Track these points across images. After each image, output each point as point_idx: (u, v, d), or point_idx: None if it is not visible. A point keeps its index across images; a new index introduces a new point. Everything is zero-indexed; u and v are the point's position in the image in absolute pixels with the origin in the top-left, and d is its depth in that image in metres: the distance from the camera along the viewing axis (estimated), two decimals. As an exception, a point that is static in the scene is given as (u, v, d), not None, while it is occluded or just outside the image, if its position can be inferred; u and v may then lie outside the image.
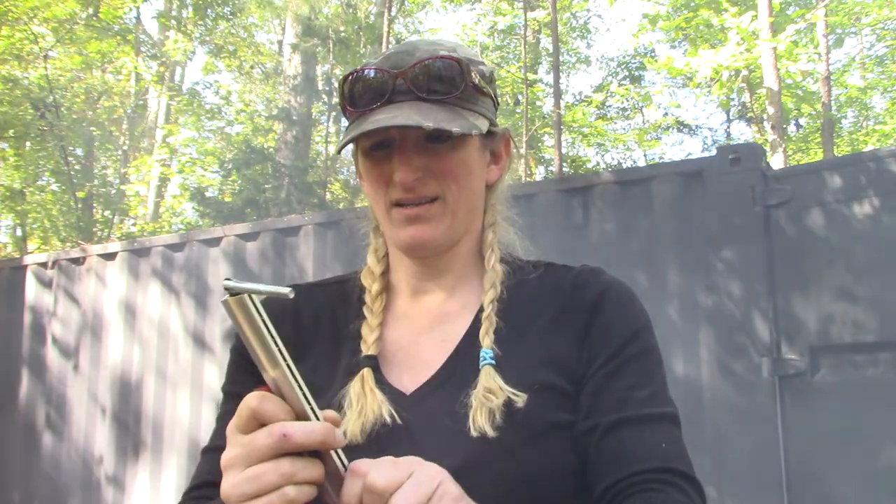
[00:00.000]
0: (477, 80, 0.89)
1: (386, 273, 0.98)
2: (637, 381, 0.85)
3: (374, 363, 0.89)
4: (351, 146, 0.91)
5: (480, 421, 0.80)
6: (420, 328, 0.94)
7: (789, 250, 2.99)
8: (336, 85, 0.93)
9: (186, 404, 4.33)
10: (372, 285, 0.96)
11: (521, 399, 0.82)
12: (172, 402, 4.41)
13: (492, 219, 0.97)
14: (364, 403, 0.84)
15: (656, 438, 0.83)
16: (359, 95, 0.88)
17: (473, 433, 0.80)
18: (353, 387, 0.86)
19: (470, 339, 0.89)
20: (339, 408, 0.85)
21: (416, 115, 0.83)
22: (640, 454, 0.81)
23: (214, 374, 4.16)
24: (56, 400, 4.95)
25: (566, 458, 0.84)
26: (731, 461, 2.94)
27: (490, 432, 0.80)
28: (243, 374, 0.96)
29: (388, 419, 0.83)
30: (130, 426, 4.57)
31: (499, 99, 0.97)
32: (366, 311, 0.94)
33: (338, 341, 0.94)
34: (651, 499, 0.78)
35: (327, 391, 0.88)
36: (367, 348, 0.90)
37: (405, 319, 0.95)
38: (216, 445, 0.93)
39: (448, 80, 0.86)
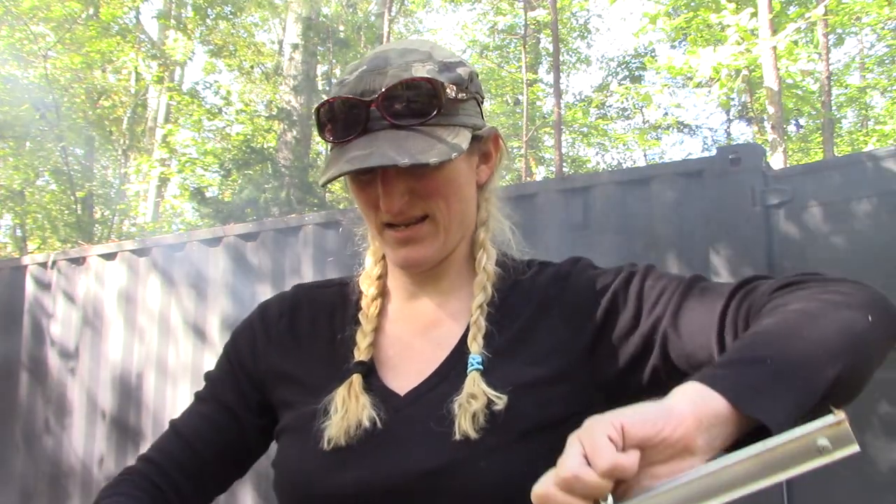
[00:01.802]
0: (454, 93, 0.87)
1: (383, 276, 0.99)
2: (663, 286, 0.87)
3: (363, 369, 0.90)
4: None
5: (465, 425, 0.81)
6: (415, 331, 0.95)
7: (789, 250, 2.99)
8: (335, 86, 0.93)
9: (187, 401, 4.34)
10: (368, 289, 0.97)
11: (501, 401, 0.82)
12: (173, 399, 4.41)
13: (484, 216, 0.97)
14: (349, 407, 0.86)
15: (710, 285, 0.85)
16: (334, 126, 0.87)
17: (458, 437, 0.81)
18: (340, 392, 0.88)
19: (462, 345, 0.90)
20: (326, 412, 0.87)
21: (391, 151, 0.81)
22: (711, 304, 0.82)
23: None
24: (56, 399, 4.95)
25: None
26: (731, 461, 2.94)
27: (472, 434, 0.81)
28: (230, 365, 1.01)
29: (368, 423, 0.84)
30: (130, 425, 4.57)
31: (482, 94, 0.95)
32: (360, 317, 0.95)
33: (334, 344, 0.95)
34: (755, 307, 0.78)
35: (321, 393, 0.89)
36: (360, 354, 0.91)
37: (401, 322, 0.96)
38: (181, 425, 1.00)
39: (422, 104, 0.84)
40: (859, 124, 14.77)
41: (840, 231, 2.91)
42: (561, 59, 14.17)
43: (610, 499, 0.55)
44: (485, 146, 0.95)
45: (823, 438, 0.55)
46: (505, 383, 0.84)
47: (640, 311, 0.86)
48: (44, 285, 5.16)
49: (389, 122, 0.84)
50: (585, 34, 16.29)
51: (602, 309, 0.88)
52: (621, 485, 0.56)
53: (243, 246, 4.37)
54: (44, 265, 5.18)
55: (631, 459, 0.56)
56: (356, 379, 0.88)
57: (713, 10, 8.30)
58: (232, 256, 4.38)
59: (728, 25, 6.39)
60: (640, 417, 0.58)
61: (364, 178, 0.89)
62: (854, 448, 0.55)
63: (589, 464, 0.55)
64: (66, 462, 4.82)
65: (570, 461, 0.56)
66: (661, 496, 0.55)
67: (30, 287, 5.21)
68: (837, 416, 0.56)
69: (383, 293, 0.98)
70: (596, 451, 0.55)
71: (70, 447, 4.82)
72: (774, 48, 6.50)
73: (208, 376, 1.03)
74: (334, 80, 0.94)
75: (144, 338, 4.63)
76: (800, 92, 10.17)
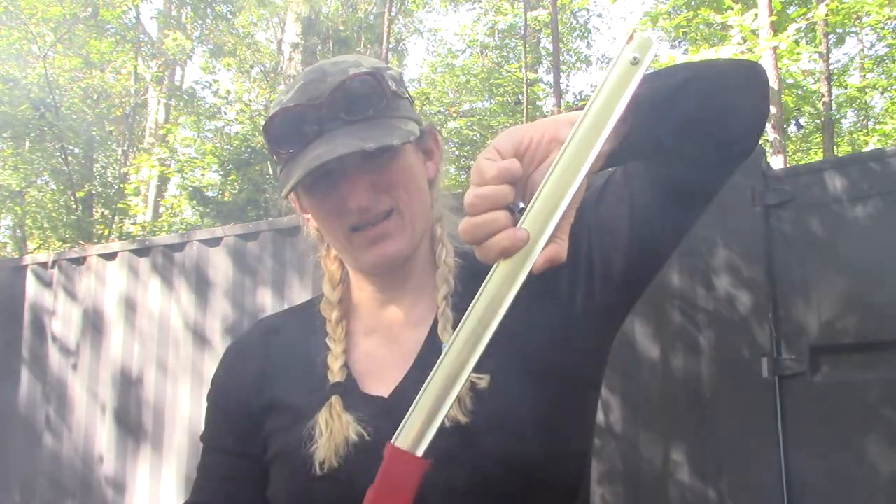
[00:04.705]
0: (394, 87, 0.90)
1: (344, 299, 0.99)
2: (584, 205, 0.90)
3: (340, 390, 0.90)
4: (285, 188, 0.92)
5: (453, 412, 0.81)
6: (389, 338, 0.95)
7: (789, 250, 2.99)
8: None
9: (187, 400, 4.34)
10: (331, 314, 0.97)
11: (483, 380, 0.83)
12: (173, 398, 4.41)
13: (438, 213, 0.98)
14: (333, 428, 0.86)
15: (607, 181, 0.90)
16: (288, 136, 0.88)
17: (447, 423, 0.81)
18: (322, 415, 0.88)
19: (433, 337, 0.91)
20: (311, 437, 0.87)
21: (355, 140, 0.83)
22: (616, 191, 0.88)
23: (214, 366, 4.15)
24: (56, 398, 4.95)
25: (554, 419, 0.86)
26: (731, 461, 2.94)
27: (462, 419, 0.81)
28: (216, 427, 1.00)
29: (356, 437, 0.85)
30: (131, 424, 4.57)
31: (411, 95, 0.98)
32: (328, 342, 0.95)
33: (312, 368, 0.95)
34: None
35: (304, 419, 0.89)
36: (334, 376, 0.91)
37: (375, 333, 0.96)
38: (192, 502, 0.96)
39: (369, 96, 0.87)
40: (859, 124, 14.76)
41: (840, 231, 2.91)
42: (561, 59, 14.18)
43: (521, 203, 0.65)
44: (426, 143, 0.97)
45: (631, 52, 0.64)
46: (484, 362, 0.85)
47: (577, 242, 0.89)
48: (45, 285, 5.16)
49: (343, 118, 0.86)
50: (585, 34, 16.30)
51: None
52: (525, 192, 0.66)
53: (243, 246, 4.37)
54: (44, 265, 5.18)
55: (510, 162, 0.64)
56: (335, 400, 0.88)
57: (714, 10, 8.30)
58: (232, 256, 4.39)
59: (731, 26, 6.38)
60: (505, 135, 0.67)
61: (322, 187, 0.90)
62: (655, 46, 0.65)
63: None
64: (67, 461, 4.82)
65: (466, 193, 0.64)
66: (551, 178, 0.63)
67: (31, 287, 5.21)
68: (628, 34, 0.66)
69: (348, 314, 0.98)
70: (479, 171, 0.64)
71: (70, 446, 4.82)
72: (775, 48, 6.50)
73: (204, 440, 1.02)
74: (271, 105, 0.96)
75: (145, 337, 4.63)
76: (800, 92, 10.17)
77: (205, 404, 1.07)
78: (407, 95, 0.94)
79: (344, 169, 0.87)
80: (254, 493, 0.94)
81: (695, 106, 0.74)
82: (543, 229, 0.63)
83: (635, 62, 0.65)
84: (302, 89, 0.89)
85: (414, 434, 0.66)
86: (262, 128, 0.91)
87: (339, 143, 0.84)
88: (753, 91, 0.79)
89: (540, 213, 0.63)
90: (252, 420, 0.96)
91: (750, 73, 0.79)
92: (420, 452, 0.66)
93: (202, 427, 1.04)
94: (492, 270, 0.65)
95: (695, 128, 0.75)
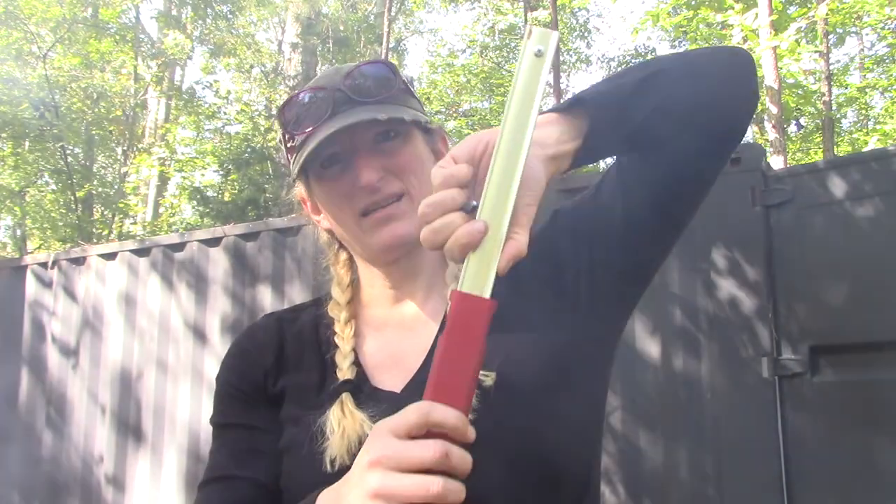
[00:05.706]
0: (406, 83, 0.94)
1: (352, 301, 1.00)
2: (577, 204, 0.95)
3: (350, 387, 0.90)
4: (293, 189, 0.94)
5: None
6: (403, 333, 0.95)
7: (789, 250, 2.98)
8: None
9: (187, 400, 4.33)
10: (340, 315, 0.97)
11: (490, 378, 0.83)
12: (173, 398, 4.40)
13: None
14: (345, 425, 0.86)
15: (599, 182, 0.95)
16: (302, 117, 0.90)
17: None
18: (334, 412, 0.88)
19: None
20: (322, 433, 0.87)
21: (368, 114, 0.87)
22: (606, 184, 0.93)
23: (214, 366, 4.14)
24: (56, 398, 4.95)
25: (568, 413, 0.86)
26: (731, 461, 2.94)
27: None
28: (231, 405, 0.99)
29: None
30: (131, 423, 4.56)
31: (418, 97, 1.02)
32: (337, 340, 0.95)
33: (322, 364, 0.95)
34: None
35: (313, 414, 0.89)
36: (343, 374, 0.91)
37: (386, 328, 0.97)
38: (213, 477, 0.95)
39: (382, 81, 0.91)
40: (859, 124, 14.75)
41: (840, 231, 2.91)
42: (561, 58, 14.18)
43: (474, 202, 0.66)
44: (435, 143, 0.99)
45: (534, 46, 0.68)
46: (493, 359, 0.84)
47: (576, 236, 0.91)
48: (45, 285, 5.16)
49: (356, 100, 0.89)
50: (585, 34, 16.30)
51: (553, 253, 0.91)
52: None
53: (243, 245, 4.37)
54: (44, 265, 5.18)
55: (457, 168, 0.67)
56: (346, 397, 0.89)
57: (714, 9, 8.29)
58: (232, 256, 4.38)
59: (732, 25, 6.38)
60: (462, 142, 0.70)
61: (332, 172, 0.92)
62: (554, 33, 0.68)
63: None
64: (66, 461, 4.82)
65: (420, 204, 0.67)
66: (495, 169, 0.66)
67: (30, 287, 5.21)
68: (527, 31, 0.69)
69: (356, 315, 0.99)
70: (432, 178, 0.67)
71: (70, 446, 4.82)
72: (776, 48, 6.50)
73: (214, 422, 1.00)
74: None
75: (144, 337, 4.63)
76: (800, 91, 10.16)
77: (205, 403, 1.06)
78: (416, 96, 0.97)
79: (355, 149, 0.90)
80: (276, 468, 0.92)
81: (665, 97, 0.75)
82: (502, 216, 0.65)
83: (539, 54, 0.68)
84: (317, 80, 0.92)
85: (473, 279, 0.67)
86: (276, 113, 0.95)
87: (352, 117, 0.87)
88: (732, 75, 0.80)
89: (493, 202, 0.65)
90: (269, 401, 0.96)
91: (728, 59, 0.80)
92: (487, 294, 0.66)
93: (202, 426, 1.04)
94: (463, 268, 0.66)
95: (669, 117, 0.76)
